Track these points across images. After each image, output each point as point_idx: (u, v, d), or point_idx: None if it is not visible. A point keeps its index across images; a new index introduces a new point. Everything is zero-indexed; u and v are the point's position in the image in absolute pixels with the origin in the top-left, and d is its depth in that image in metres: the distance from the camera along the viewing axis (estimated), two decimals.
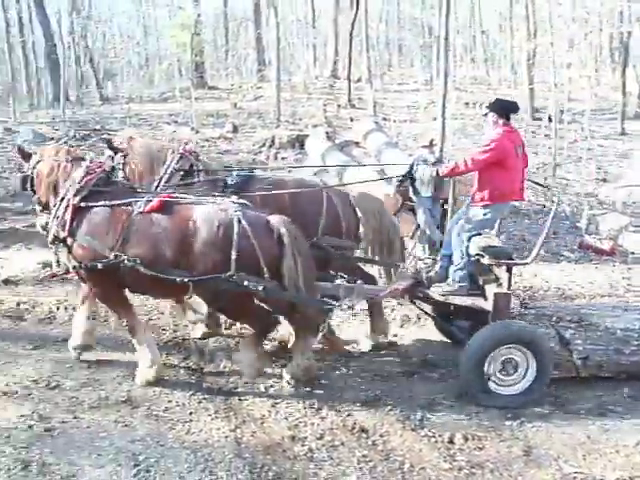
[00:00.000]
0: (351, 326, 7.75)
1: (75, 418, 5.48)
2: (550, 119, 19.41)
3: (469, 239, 6.44)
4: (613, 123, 23.02)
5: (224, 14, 39.27)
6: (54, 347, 6.93)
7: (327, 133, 15.79)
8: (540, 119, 22.05)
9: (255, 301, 6.14)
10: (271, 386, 6.19)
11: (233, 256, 5.70)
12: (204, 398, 5.91)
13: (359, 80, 27.56)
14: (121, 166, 7.11)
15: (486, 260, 6.28)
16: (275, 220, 6.01)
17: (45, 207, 6.41)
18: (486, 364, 5.93)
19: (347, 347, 7.13)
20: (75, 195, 6.07)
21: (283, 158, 16.83)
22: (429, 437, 5.43)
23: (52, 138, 18.33)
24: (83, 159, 6.47)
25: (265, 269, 5.84)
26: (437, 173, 6.80)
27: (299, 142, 17.43)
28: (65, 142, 17.44)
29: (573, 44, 22.29)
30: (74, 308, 7.79)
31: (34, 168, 6.42)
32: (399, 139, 18.07)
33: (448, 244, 6.74)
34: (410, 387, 6.23)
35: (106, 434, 5.23)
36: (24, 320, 7.67)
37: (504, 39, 34.42)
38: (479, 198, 6.43)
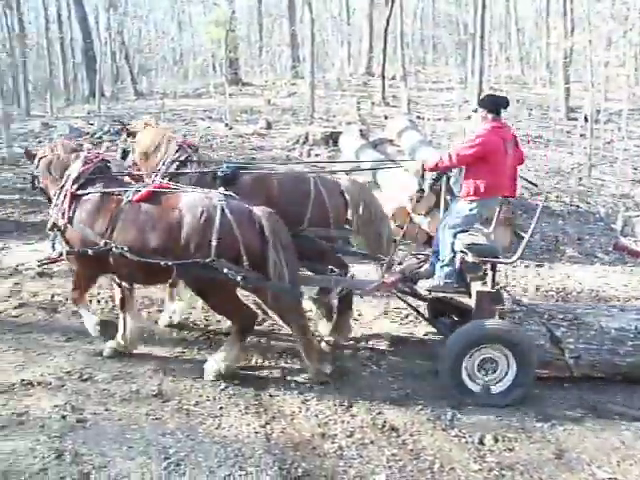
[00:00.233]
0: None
1: (107, 410, 5.53)
2: (586, 119, 19.13)
3: (454, 235, 6.41)
4: None
5: (258, 10, 39.32)
6: (87, 339, 6.99)
7: (361, 131, 15.72)
8: (576, 119, 21.77)
9: (238, 296, 6.27)
10: (302, 383, 6.19)
11: (214, 242, 5.83)
12: (234, 393, 5.92)
13: (393, 78, 27.43)
14: (132, 149, 7.64)
15: (469, 257, 6.24)
16: (258, 211, 6.10)
17: (50, 199, 6.76)
18: (464, 363, 5.91)
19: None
20: (72, 184, 6.40)
21: (316, 155, 16.80)
22: (459, 437, 5.40)
23: (87, 133, 18.49)
24: (81, 150, 6.85)
25: (244, 257, 5.93)
26: (423, 167, 6.75)
27: (332, 139, 17.37)
28: (100, 137, 17.62)
29: (611, 42, 21.98)
30: (107, 301, 7.89)
31: (37, 167, 6.85)
32: (433, 137, 17.96)
33: (438, 240, 6.71)
34: (441, 386, 6.17)
35: (137, 427, 5.27)
36: (58, 312, 7.75)
37: (540, 37, 34.07)
38: (465, 193, 6.38)
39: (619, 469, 5.05)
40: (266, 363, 6.55)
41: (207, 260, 5.83)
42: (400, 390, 6.13)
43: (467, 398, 5.94)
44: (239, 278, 5.87)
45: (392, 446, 5.20)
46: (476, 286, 6.36)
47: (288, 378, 6.29)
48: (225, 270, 5.85)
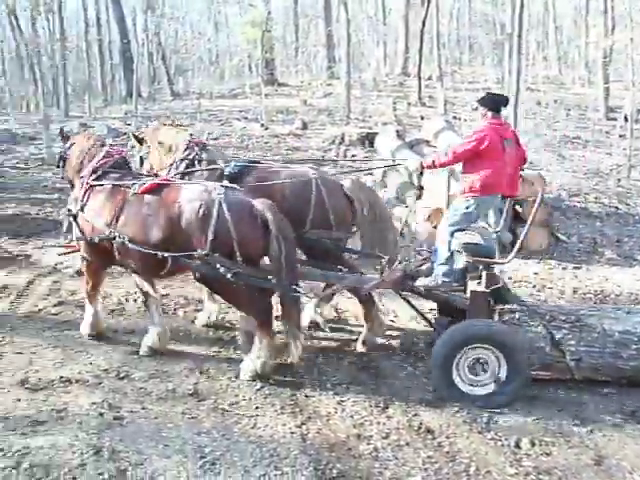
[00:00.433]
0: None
1: (143, 408, 5.57)
2: (626, 119, 18.88)
3: (452, 234, 6.36)
4: None
5: (294, 11, 39.44)
6: (123, 338, 7.09)
7: (397, 131, 15.69)
8: (615, 119, 21.50)
9: (252, 289, 6.22)
10: (338, 383, 6.17)
11: (210, 236, 5.90)
12: (270, 393, 5.92)
13: (429, 78, 27.35)
14: (146, 156, 7.88)
15: (463, 257, 6.20)
16: (260, 205, 6.11)
17: (72, 185, 7.15)
18: (454, 363, 5.84)
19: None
20: (90, 175, 6.75)
21: (353, 155, 16.80)
22: (495, 440, 5.32)
23: (124, 133, 18.69)
24: (104, 145, 7.21)
25: (237, 253, 5.96)
26: (421, 165, 6.71)
27: (369, 140, 17.38)
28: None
29: None
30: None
31: (68, 150, 7.29)
32: None
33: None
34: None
35: (173, 425, 5.29)
36: None
37: (579, 36, 33.67)
38: (462, 190, 6.37)
39: None
40: (302, 363, 6.54)
41: (203, 253, 5.93)
42: (436, 392, 6.08)
43: (457, 398, 5.86)
44: (229, 275, 5.91)
45: (428, 448, 5.15)
46: (471, 285, 6.31)
47: (324, 378, 6.28)
48: (217, 265, 5.92)
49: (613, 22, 23.29)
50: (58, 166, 7.56)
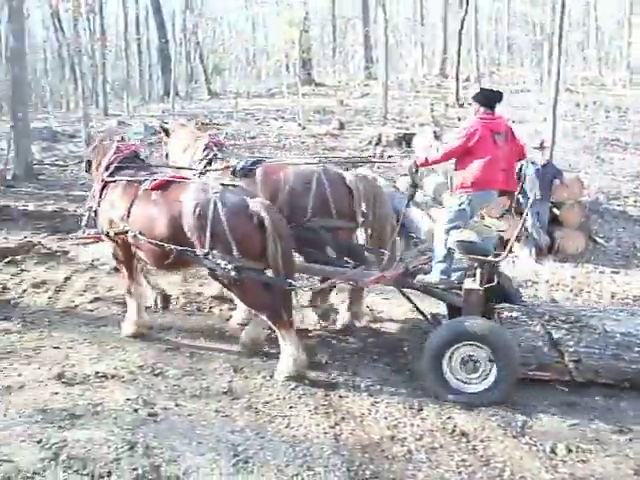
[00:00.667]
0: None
1: (177, 405, 5.59)
2: None
3: (447, 231, 6.31)
4: None
5: (332, 12, 39.45)
6: (158, 335, 7.14)
7: (434, 132, 15.63)
8: None
9: (265, 289, 6.25)
10: (371, 384, 6.15)
11: (208, 235, 5.98)
12: (304, 393, 5.91)
13: (467, 79, 27.18)
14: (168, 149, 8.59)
15: (457, 255, 6.17)
16: (255, 204, 6.12)
17: None
18: (444, 361, 5.80)
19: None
20: (104, 171, 7.03)
21: (390, 156, 16.74)
22: (530, 445, 5.23)
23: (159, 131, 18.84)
24: (114, 141, 7.52)
25: (235, 250, 5.99)
26: (415, 163, 6.65)
27: (406, 140, 17.32)
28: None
29: None
30: (177, 298, 8.04)
31: (91, 153, 7.60)
32: None
33: None
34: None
35: (206, 423, 5.30)
36: None
37: (621, 36, 33.19)
38: (455, 187, 6.35)
39: None
40: (336, 364, 6.52)
41: (204, 252, 6.03)
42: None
43: (447, 396, 5.82)
44: (232, 273, 5.96)
45: (462, 451, 5.10)
46: (466, 283, 6.26)
47: (358, 379, 6.25)
48: (219, 261, 5.99)
49: None
50: (86, 172, 7.88)
